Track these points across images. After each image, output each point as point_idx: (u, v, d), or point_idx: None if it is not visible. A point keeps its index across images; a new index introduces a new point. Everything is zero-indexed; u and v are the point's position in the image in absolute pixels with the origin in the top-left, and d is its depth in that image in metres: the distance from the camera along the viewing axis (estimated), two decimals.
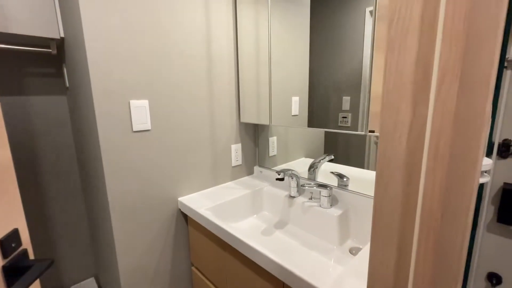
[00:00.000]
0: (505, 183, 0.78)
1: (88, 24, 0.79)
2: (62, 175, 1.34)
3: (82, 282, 1.46)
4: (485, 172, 0.26)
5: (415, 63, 0.19)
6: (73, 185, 1.38)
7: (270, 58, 1.05)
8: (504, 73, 0.74)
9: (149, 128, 0.95)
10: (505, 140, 0.77)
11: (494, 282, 0.83)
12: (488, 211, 0.83)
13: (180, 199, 1.07)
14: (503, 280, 0.83)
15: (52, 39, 1.08)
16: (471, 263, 0.87)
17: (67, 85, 1.23)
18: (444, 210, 0.20)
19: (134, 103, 0.90)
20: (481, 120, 0.17)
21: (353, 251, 0.88)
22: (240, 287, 0.87)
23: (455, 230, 0.20)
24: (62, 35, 1.08)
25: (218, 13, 1.09)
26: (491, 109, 0.17)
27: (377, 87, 0.78)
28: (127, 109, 0.89)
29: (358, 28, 0.80)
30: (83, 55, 0.84)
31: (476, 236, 0.84)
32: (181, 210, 1.08)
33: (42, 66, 1.24)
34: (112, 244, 0.96)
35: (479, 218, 0.83)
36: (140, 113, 0.92)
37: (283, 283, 0.70)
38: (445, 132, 0.19)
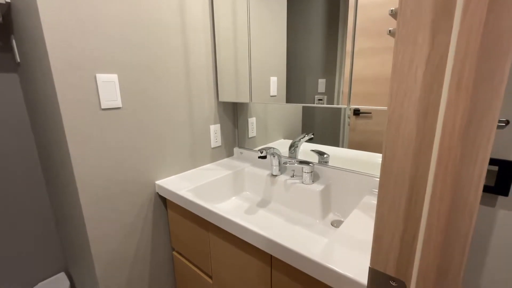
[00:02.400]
0: None
1: None
2: (17, 163, 1.20)
3: (51, 278, 1.35)
4: None
5: None
6: (32, 173, 1.25)
7: (249, 34, 1.01)
8: None
9: (120, 105, 0.87)
10: None
11: None
12: None
13: (157, 182, 1.02)
14: None
15: None
16: None
17: (18, 60, 1.08)
18: (464, 146, 0.19)
19: (101, 77, 0.81)
20: (508, 41, 0.16)
21: (335, 224, 0.91)
22: (225, 266, 0.86)
23: (473, 164, 0.19)
24: None
25: None
26: None
27: (355, 70, 0.79)
28: (94, 84, 0.80)
29: (334, 11, 0.80)
30: (37, 23, 0.73)
31: None
32: (159, 193, 1.03)
33: None
34: (84, 232, 0.88)
35: None
36: (109, 88, 0.83)
37: (271, 256, 0.69)
38: (469, 62, 0.17)
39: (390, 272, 0.26)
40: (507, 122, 0.77)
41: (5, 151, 1.16)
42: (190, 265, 1.04)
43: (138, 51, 0.89)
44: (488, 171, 0.82)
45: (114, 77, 0.84)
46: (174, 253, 1.12)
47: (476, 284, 0.91)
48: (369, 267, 0.28)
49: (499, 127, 0.79)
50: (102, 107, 0.83)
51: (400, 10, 0.20)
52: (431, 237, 0.22)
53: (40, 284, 1.31)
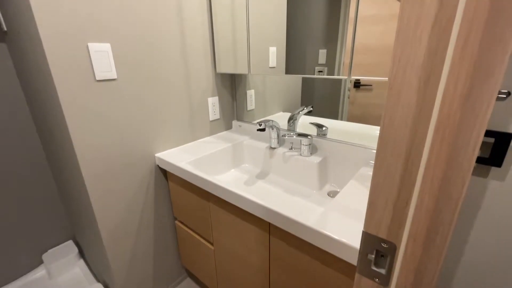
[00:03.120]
0: None
1: None
2: (14, 136, 1.19)
3: (60, 245, 1.42)
4: None
5: None
6: (31, 144, 1.25)
7: (247, 4, 0.95)
8: None
9: (115, 77, 0.85)
10: None
11: None
12: None
13: (157, 155, 1.03)
14: None
15: None
16: None
17: (5, 28, 1.03)
18: (464, 111, 0.19)
19: (93, 46, 0.78)
20: None
21: (331, 194, 0.94)
22: (226, 233, 0.90)
23: (471, 130, 0.19)
24: None
25: None
26: None
27: (356, 40, 0.76)
28: (86, 54, 0.77)
29: None
30: None
31: None
32: (159, 166, 1.04)
33: None
34: (89, 204, 0.91)
35: None
36: (102, 59, 0.80)
37: (269, 224, 0.73)
38: (479, 19, 0.17)
39: (382, 235, 0.27)
40: (508, 94, 0.76)
41: (2, 125, 1.15)
42: (192, 233, 1.09)
43: (131, 19, 0.84)
44: (484, 143, 0.83)
45: (107, 46, 0.80)
46: (177, 222, 1.17)
47: (462, 245, 0.97)
48: (363, 231, 0.29)
49: (499, 98, 0.78)
50: (97, 78, 0.80)
51: None
52: (423, 202, 0.23)
53: (49, 251, 1.37)
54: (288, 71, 0.96)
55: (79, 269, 1.37)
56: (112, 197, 0.93)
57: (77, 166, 0.85)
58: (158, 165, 1.05)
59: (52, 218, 1.37)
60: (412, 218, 0.24)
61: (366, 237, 0.29)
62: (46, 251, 1.38)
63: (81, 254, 1.42)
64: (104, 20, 0.79)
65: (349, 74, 0.81)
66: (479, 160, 0.83)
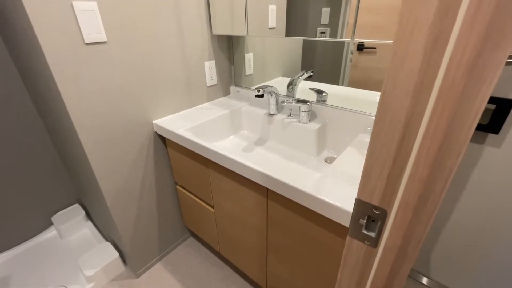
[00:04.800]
0: None
1: None
2: (11, 105, 1.17)
3: (67, 208, 1.48)
4: None
5: None
6: (29, 115, 1.23)
7: None
8: None
9: (105, 39, 0.80)
10: None
11: None
12: None
13: (155, 122, 1.02)
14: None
15: None
16: None
17: None
18: (468, 79, 0.18)
19: (78, 5, 0.72)
20: None
21: (328, 160, 0.95)
22: (225, 197, 0.94)
23: (473, 99, 0.19)
24: None
25: None
26: None
27: None
28: (72, 14, 0.72)
29: None
30: None
31: None
32: (158, 132, 1.04)
33: None
34: (90, 171, 0.93)
35: None
36: (90, 19, 0.75)
37: (267, 189, 0.75)
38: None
39: (375, 202, 0.28)
40: None
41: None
42: (193, 196, 1.13)
43: None
44: (485, 110, 0.82)
45: (93, 5, 0.75)
46: (178, 187, 1.20)
47: (450, 211, 1.02)
48: (356, 198, 0.30)
49: (506, 63, 0.75)
50: (86, 41, 0.76)
51: None
52: (417, 171, 0.23)
53: (58, 213, 1.44)
54: (288, 32, 0.90)
55: (88, 229, 1.45)
56: (113, 163, 0.95)
57: (75, 132, 0.84)
58: (156, 132, 1.05)
59: (57, 183, 1.41)
60: (405, 186, 0.25)
61: (359, 203, 0.30)
62: (54, 213, 1.45)
63: (88, 216, 1.49)
64: None
65: (352, 36, 0.77)
66: (478, 127, 0.83)
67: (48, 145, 1.32)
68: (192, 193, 1.13)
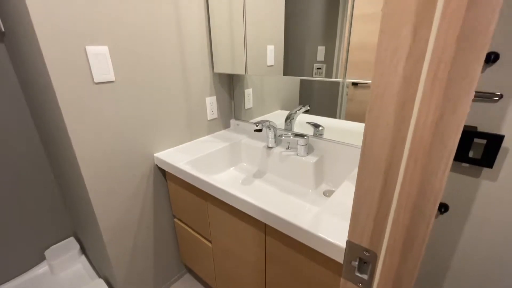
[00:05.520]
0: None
1: None
2: (14, 133, 1.21)
3: (62, 242, 1.45)
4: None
5: None
6: (31, 144, 1.26)
7: (244, 3, 0.95)
8: None
9: (113, 79, 0.86)
10: None
11: (442, 210, 0.97)
12: None
13: (156, 154, 1.04)
14: (450, 208, 0.97)
15: None
16: None
17: (3, 29, 1.03)
18: (434, 139, 0.20)
19: (91, 49, 0.79)
20: (483, 39, 0.17)
21: (327, 194, 0.96)
22: (223, 232, 0.92)
23: (441, 156, 0.21)
24: None
25: None
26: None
27: (355, 38, 0.76)
28: (84, 57, 0.78)
29: None
30: None
31: None
32: (158, 165, 1.06)
33: None
34: (89, 203, 0.93)
35: None
36: (100, 61, 0.81)
37: (265, 224, 0.75)
38: (446, 56, 0.18)
39: (365, 244, 0.29)
40: (501, 96, 0.77)
41: (3, 124, 1.16)
42: (191, 230, 1.11)
43: (128, 21, 0.85)
44: (476, 144, 0.85)
45: (104, 49, 0.81)
46: (176, 220, 1.19)
47: (455, 241, 0.99)
48: (347, 240, 0.31)
49: (492, 101, 0.79)
50: (95, 81, 0.81)
51: (384, 3, 0.20)
52: (400, 217, 0.25)
53: (52, 247, 1.41)
54: (286, 70, 0.96)
55: (81, 265, 1.40)
56: (112, 196, 0.95)
57: (77, 165, 0.86)
58: (157, 165, 1.07)
59: (53, 215, 1.39)
60: (390, 231, 0.26)
61: (350, 245, 0.31)
62: (48, 247, 1.41)
63: (83, 250, 1.45)
64: (103, 24, 0.79)
65: (344, 76, 0.82)
66: (471, 161, 0.85)
67: (48, 175, 1.34)
68: (190, 226, 1.12)
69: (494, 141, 0.79)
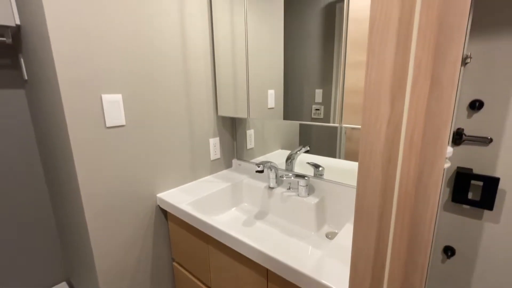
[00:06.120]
0: (458, 167, 0.88)
1: (51, 10, 0.73)
2: (22, 174, 1.24)
3: (54, 287, 1.37)
4: (447, 158, 0.31)
5: (393, 65, 0.22)
6: (36, 186, 1.28)
7: (247, 52, 1.05)
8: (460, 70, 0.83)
9: (124, 123, 0.91)
10: (458, 129, 0.86)
11: (449, 254, 0.94)
12: (444, 192, 0.93)
13: (159, 195, 1.05)
14: (456, 252, 0.94)
15: (6, 27, 0.97)
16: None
17: (26, 77, 1.13)
18: (417, 191, 0.23)
19: (106, 97, 0.85)
20: (447, 114, 0.20)
21: (329, 236, 0.95)
22: (224, 277, 0.89)
23: (425, 207, 0.23)
24: (18, 22, 0.98)
25: (193, 7, 1.06)
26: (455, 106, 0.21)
27: (349, 82, 0.83)
28: (99, 104, 0.85)
29: (330, 23, 0.83)
30: (46, 45, 0.77)
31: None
32: (160, 206, 1.06)
33: None
34: (87, 244, 0.92)
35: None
36: (114, 108, 0.88)
37: (267, 270, 0.73)
38: (419, 124, 0.22)
39: None
40: (491, 140, 0.81)
41: (11, 162, 1.20)
42: (190, 275, 1.07)
43: (141, 71, 0.94)
44: (474, 185, 0.86)
45: (118, 97, 0.88)
46: (175, 263, 1.15)
47: (464, 287, 0.94)
48: None
49: (483, 144, 0.83)
50: (107, 125, 0.87)
51: (366, 79, 0.24)
52: (395, 268, 0.26)
53: None
54: (286, 113, 1.01)
55: None
56: (112, 236, 0.94)
57: (81, 206, 0.87)
58: (159, 205, 1.07)
59: (48, 258, 1.35)
60: (387, 281, 0.27)
61: None
62: None
63: None
64: (119, 75, 0.88)
65: (341, 121, 0.87)
66: (472, 203, 0.86)
67: (49, 215, 1.33)
68: (189, 271, 1.08)
69: (491, 183, 0.81)
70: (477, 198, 0.85)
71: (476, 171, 0.85)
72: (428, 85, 0.21)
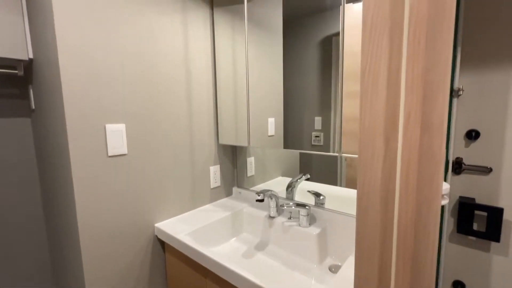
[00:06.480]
0: (460, 197, 0.87)
1: (63, 44, 0.77)
2: (19, 196, 1.22)
3: None
4: (445, 195, 0.31)
5: (385, 107, 0.23)
6: (33, 215, 1.26)
7: (248, 82, 1.09)
8: (452, 101, 0.86)
9: (125, 152, 0.92)
10: (457, 158, 0.87)
11: None
12: (448, 222, 0.91)
13: (157, 225, 1.03)
14: (467, 286, 0.90)
15: (20, 60, 1.03)
16: (439, 273, 0.93)
17: (33, 107, 1.16)
18: (417, 230, 0.23)
19: (110, 127, 0.88)
20: (439, 155, 0.21)
21: (333, 269, 0.91)
22: None
23: (425, 245, 0.23)
24: (31, 56, 1.03)
25: (197, 38, 1.13)
26: (446, 147, 0.22)
27: (347, 110, 0.85)
28: (103, 133, 0.87)
29: (326, 54, 0.88)
30: (56, 77, 0.81)
31: (441, 247, 0.91)
32: (158, 236, 1.04)
33: (4, 87, 1.16)
34: (81, 273, 0.88)
35: (442, 230, 0.91)
36: (117, 137, 0.89)
37: None
38: (413, 163, 0.22)
39: None
40: (490, 169, 0.82)
41: (8, 187, 1.19)
42: None
43: (145, 102, 0.97)
44: (479, 216, 0.85)
45: (122, 126, 0.90)
46: None
47: None
48: None
49: (483, 173, 0.83)
50: (109, 154, 0.88)
51: (360, 121, 0.25)
52: None
53: None
54: (286, 140, 1.02)
55: None
56: (107, 268, 0.90)
57: (76, 234, 0.85)
58: (156, 236, 1.04)
59: (39, 286, 1.28)
60: None
61: None
62: None
63: None
64: (123, 105, 0.91)
65: (340, 149, 0.88)
66: (478, 234, 0.84)
67: (43, 243, 1.29)
68: None
69: (495, 214, 0.79)
70: (483, 229, 0.83)
71: (479, 200, 0.85)
72: (419, 128, 0.22)
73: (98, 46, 0.84)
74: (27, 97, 1.23)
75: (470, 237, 0.88)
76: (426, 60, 0.21)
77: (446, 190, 0.31)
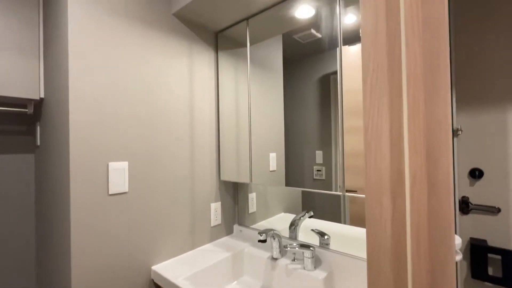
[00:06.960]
0: (471, 238, 0.84)
1: (75, 87, 0.81)
2: (13, 235, 1.17)
3: None
4: (457, 250, 0.30)
5: (390, 165, 0.23)
6: (25, 255, 1.20)
7: (250, 119, 1.12)
8: (453, 141, 0.87)
9: (126, 190, 0.91)
10: (463, 197, 0.85)
11: None
12: (462, 265, 0.86)
13: (154, 267, 0.98)
14: None
15: (31, 100, 1.07)
16: None
17: (38, 143, 1.18)
18: (432, 262, 0.22)
19: (113, 165, 0.88)
20: (449, 214, 0.21)
21: None
22: None
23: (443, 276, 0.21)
24: (42, 95, 1.08)
25: (202, 79, 1.18)
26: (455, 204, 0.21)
27: (348, 146, 0.86)
28: (105, 171, 0.87)
29: (325, 91, 0.91)
30: (65, 117, 0.84)
31: None
32: (154, 280, 0.98)
33: (12, 124, 1.19)
34: None
35: (457, 276, 0.86)
36: (118, 175, 0.89)
37: None
38: (423, 222, 0.22)
39: None
40: (499, 210, 0.80)
41: (4, 224, 1.15)
42: None
43: (149, 141, 0.98)
44: (493, 259, 0.81)
45: (125, 164, 0.91)
46: None
47: None
48: None
49: (491, 214, 0.81)
50: (110, 193, 0.87)
51: (366, 178, 0.26)
52: None
53: None
54: (288, 176, 1.01)
55: None
56: None
57: (68, 277, 0.80)
58: (153, 279, 0.99)
59: None
60: None
61: None
62: None
63: None
64: (127, 144, 0.92)
65: (343, 188, 0.87)
66: (494, 280, 0.79)
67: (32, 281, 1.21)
68: None
69: (510, 258, 0.76)
70: (499, 274, 0.79)
71: (491, 242, 0.81)
72: (426, 186, 0.22)
73: (107, 90, 0.88)
74: (33, 133, 1.25)
75: (487, 283, 0.83)
76: (426, 120, 0.22)
77: (458, 245, 0.30)
